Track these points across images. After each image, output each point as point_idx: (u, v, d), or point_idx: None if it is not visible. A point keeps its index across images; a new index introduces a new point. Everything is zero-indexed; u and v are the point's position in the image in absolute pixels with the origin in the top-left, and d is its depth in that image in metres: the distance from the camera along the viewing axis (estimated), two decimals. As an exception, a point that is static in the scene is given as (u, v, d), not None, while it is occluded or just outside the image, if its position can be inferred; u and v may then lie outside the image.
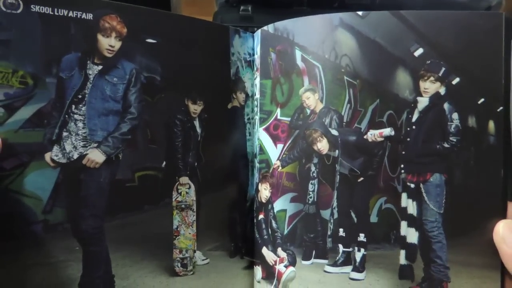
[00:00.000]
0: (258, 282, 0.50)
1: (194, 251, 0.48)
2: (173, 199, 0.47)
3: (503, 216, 0.41)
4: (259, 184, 0.51)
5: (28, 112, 0.40)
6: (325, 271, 0.47)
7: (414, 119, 0.44)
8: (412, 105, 0.44)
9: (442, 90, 0.43)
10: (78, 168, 0.42)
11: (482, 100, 0.42)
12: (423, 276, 0.44)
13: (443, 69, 0.43)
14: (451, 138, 0.43)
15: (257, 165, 0.52)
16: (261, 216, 0.51)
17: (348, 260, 0.47)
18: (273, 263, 0.48)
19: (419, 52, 0.43)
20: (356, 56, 0.45)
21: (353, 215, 0.48)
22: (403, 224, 0.45)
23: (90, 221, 0.42)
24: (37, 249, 0.39)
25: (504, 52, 0.41)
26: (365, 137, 0.45)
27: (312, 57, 0.48)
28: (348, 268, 0.46)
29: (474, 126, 0.42)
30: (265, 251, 0.50)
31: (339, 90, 0.47)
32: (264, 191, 0.50)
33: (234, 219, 0.52)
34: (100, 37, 0.43)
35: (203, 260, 0.48)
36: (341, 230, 0.47)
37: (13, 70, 0.39)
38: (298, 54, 0.49)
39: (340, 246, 0.47)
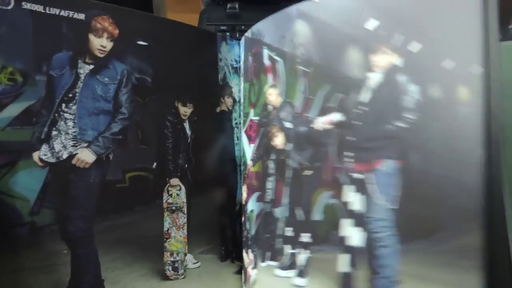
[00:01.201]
0: (243, 286, 0.50)
1: (185, 254, 0.47)
2: (164, 201, 0.46)
3: (485, 216, 0.29)
4: (242, 187, 0.51)
5: (17, 109, 0.38)
6: (274, 275, 0.44)
7: (366, 99, 0.38)
8: (364, 83, 0.38)
9: (399, 61, 0.36)
10: (67, 168, 0.41)
11: (450, 63, 0.32)
12: None
13: (397, 37, 0.36)
14: (407, 115, 0.34)
15: (242, 168, 0.52)
16: (242, 219, 0.51)
17: (294, 263, 0.42)
18: (247, 265, 0.48)
19: (373, 24, 0.38)
20: (310, 43, 0.42)
21: (300, 212, 0.43)
22: (348, 222, 0.37)
23: (79, 223, 0.40)
24: (22, 253, 0.37)
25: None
26: (311, 125, 0.42)
27: (276, 53, 0.48)
28: (293, 272, 0.42)
29: (439, 96, 0.33)
30: (244, 253, 0.49)
31: (295, 81, 0.45)
32: (244, 193, 0.50)
33: (224, 223, 0.51)
34: (92, 37, 0.43)
35: (194, 263, 0.47)
36: (290, 229, 0.43)
37: (2, 66, 0.38)
38: (265, 53, 0.50)
39: (287, 247, 0.43)
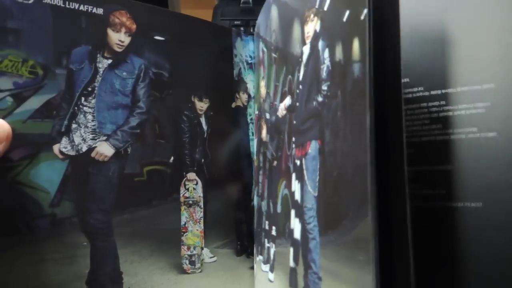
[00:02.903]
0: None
1: (202, 248, 0.47)
2: (181, 195, 0.46)
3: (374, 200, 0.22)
4: None
5: (37, 102, 0.39)
6: (261, 270, 0.43)
7: (301, 77, 0.33)
8: (300, 60, 0.33)
9: (318, 26, 0.31)
10: (86, 161, 0.41)
11: (347, 13, 0.25)
12: (303, 286, 0.31)
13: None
14: (322, 87, 0.29)
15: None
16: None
17: (269, 257, 0.40)
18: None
19: None
20: (278, 27, 0.40)
21: (271, 205, 0.41)
22: (292, 213, 0.33)
23: (98, 215, 0.41)
24: (43, 245, 0.38)
25: None
26: (277, 113, 0.38)
27: (264, 44, 0.47)
28: (268, 267, 0.40)
29: (340, 58, 0.26)
30: None
31: (271, 69, 0.43)
32: None
33: (239, 218, 0.51)
34: (110, 31, 0.43)
35: (210, 257, 0.47)
36: (267, 223, 0.41)
37: (23, 60, 0.38)
38: (260, 46, 0.49)
39: (266, 241, 0.41)
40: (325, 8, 0.29)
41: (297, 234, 0.32)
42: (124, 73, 0.44)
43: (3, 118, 0.37)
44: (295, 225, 0.32)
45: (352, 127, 0.24)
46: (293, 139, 0.34)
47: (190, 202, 0.47)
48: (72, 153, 0.40)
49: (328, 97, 0.28)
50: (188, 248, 0.46)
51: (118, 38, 0.43)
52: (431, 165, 0.36)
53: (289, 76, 0.36)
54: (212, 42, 0.51)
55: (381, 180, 0.22)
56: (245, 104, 0.54)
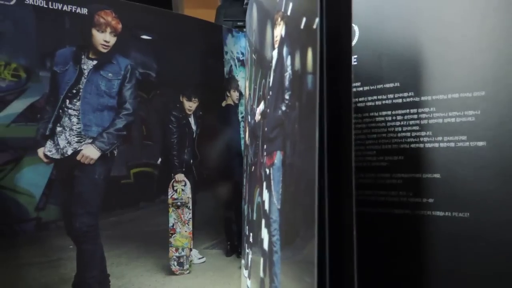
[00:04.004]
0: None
1: (191, 250, 0.47)
2: (169, 197, 0.46)
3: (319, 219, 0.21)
4: None
5: (21, 106, 0.39)
6: (243, 275, 0.42)
7: (271, 82, 0.32)
8: (270, 64, 0.32)
9: (283, 31, 0.29)
10: (72, 164, 0.41)
11: (304, 20, 0.25)
12: None
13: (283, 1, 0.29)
14: (285, 96, 0.28)
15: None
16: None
17: (248, 263, 0.39)
18: None
19: None
20: (256, 28, 0.38)
21: (249, 210, 0.39)
22: (263, 223, 0.33)
23: (85, 218, 0.41)
24: (29, 248, 0.38)
25: None
26: (254, 117, 0.37)
27: (248, 44, 0.46)
28: (246, 273, 0.40)
29: (298, 67, 0.26)
30: None
31: (251, 71, 0.41)
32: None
33: (229, 218, 0.51)
34: (95, 32, 0.42)
35: (199, 258, 0.47)
36: (247, 228, 0.41)
37: (6, 63, 0.38)
38: (246, 45, 0.48)
39: (246, 246, 0.40)
40: (288, 13, 0.28)
41: (265, 245, 0.32)
42: (109, 74, 0.43)
43: (-14, 123, 0.36)
44: (264, 235, 0.32)
45: (304, 140, 0.23)
46: (264, 146, 0.33)
47: (179, 203, 0.47)
48: (57, 156, 0.40)
49: (289, 107, 0.27)
50: (177, 250, 0.46)
51: (103, 39, 0.43)
52: (420, 172, 0.36)
53: (263, 80, 0.35)
54: (201, 40, 0.50)
55: (331, 198, 0.21)
56: (236, 102, 0.54)
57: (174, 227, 0.46)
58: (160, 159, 0.46)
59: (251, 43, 0.44)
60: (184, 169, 0.47)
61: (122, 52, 0.44)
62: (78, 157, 0.41)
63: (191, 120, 0.49)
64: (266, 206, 0.31)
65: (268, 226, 0.30)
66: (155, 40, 0.46)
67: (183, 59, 0.48)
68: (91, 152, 0.42)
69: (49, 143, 0.40)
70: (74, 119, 0.41)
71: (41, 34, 0.40)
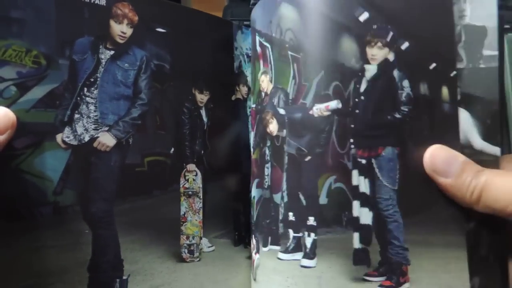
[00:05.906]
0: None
1: (201, 238, 0.48)
2: (181, 186, 0.47)
3: None
4: None
5: (41, 92, 0.39)
6: (278, 258, 0.44)
7: (362, 89, 0.40)
8: (360, 74, 0.40)
9: (391, 56, 0.39)
10: (89, 150, 0.42)
11: (434, 65, 0.38)
12: (380, 260, 0.39)
13: (391, 33, 0.38)
14: (402, 108, 0.38)
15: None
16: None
17: (299, 246, 0.43)
18: (251, 250, 0.48)
19: (364, 16, 0.39)
20: (299, 28, 0.42)
21: (302, 197, 0.43)
22: (356, 204, 0.40)
23: (100, 204, 0.41)
24: (46, 231, 0.38)
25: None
26: (310, 112, 0.41)
27: (264, 39, 0.48)
28: (299, 255, 0.43)
29: (426, 93, 0.38)
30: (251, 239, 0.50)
31: (285, 66, 0.44)
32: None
33: (237, 209, 0.52)
34: (112, 23, 0.43)
35: (209, 247, 0.49)
36: (290, 214, 0.44)
37: (27, 50, 0.39)
38: (257, 40, 0.50)
39: (291, 231, 0.44)
40: (402, 48, 0.38)
41: (366, 220, 0.39)
42: (126, 65, 0.44)
43: (7, 107, 0.37)
44: (362, 213, 0.39)
45: (434, 143, 0.37)
46: (351, 140, 0.40)
47: (190, 192, 0.48)
48: (75, 142, 0.41)
49: (410, 117, 0.38)
50: (187, 238, 0.47)
51: (120, 30, 0.44)
52: None
53: (336, 82, 0.40)
54: (213, 35, 0.52)
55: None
56: (245, 96, 0.55)
57: (185, 215, 0.47)
58: (172, 149, 0.47)
59: (278, 40, 0.45)
60: (195, 160, 0.49)
61: (138, 43, 0.45)
62: (95, 144, 0.42)
63: (203, 112, 0.50)
64: (364, 189, 0.40)
65: (372, 205, 0.39)
66: (169, 33, 0.48)
67: (195, 52, 0.50)
68: (107, 140, 0.42)
69: (67, 129, 0.41)
70: (92, 107, 0.42)
71: (61, 23, 0.41)
